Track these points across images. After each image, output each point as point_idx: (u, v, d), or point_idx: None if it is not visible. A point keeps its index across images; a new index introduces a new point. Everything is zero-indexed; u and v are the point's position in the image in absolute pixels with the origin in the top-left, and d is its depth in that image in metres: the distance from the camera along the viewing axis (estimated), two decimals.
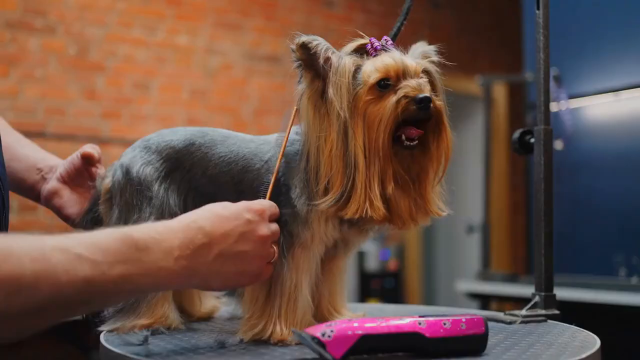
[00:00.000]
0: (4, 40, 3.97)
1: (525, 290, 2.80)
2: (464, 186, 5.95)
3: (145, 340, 0.90)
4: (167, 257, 0.77)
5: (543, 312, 1.15)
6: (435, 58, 1.04)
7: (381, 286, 4.88)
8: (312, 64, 0.94)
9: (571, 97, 3.08)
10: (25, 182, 1.21)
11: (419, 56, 1.01)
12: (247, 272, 0.87)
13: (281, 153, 0.97)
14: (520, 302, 2.40)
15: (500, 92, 5.81)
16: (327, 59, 0.93)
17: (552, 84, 2.91)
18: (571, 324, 1.09)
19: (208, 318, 1.15)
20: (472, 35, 5.94)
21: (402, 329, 0.81)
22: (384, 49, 0.97)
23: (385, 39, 1.00)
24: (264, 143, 1.03)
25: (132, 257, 0.73)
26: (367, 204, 0.90)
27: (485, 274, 3.27)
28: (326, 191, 0.92)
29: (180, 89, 4.59)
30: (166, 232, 0.78)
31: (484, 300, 3.24)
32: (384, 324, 0.81)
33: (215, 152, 1.03)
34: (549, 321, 1.13)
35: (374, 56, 0.96)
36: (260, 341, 0.93)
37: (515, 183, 5.88)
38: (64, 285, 0.66)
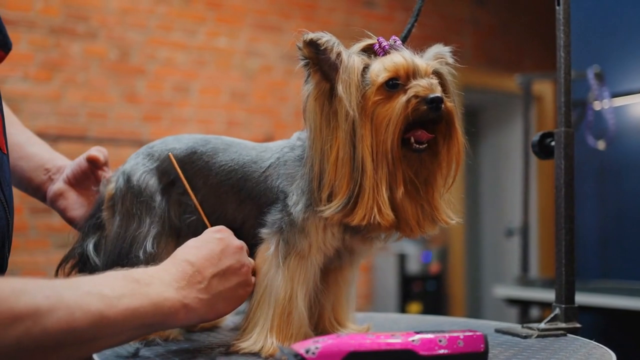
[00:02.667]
0: (47, 46, 4.04)
1: None
2: (510, 188, 5.82)
3: (136, 353, 0.88)
4: (169, 288, 0.80)
5: (563, 325, 1.08)
6: (449, 59, 0.98)
7: (423, 289, 4.80)
8: (319, 63, 0.89)
9: (614, 95, 2.96)
10: (32, 182, 1.21)
11: (432, 57, 0.96)
12: (242, 283, 0.89)
13: (189, 190, 0.99)
14: None
15: (547, 90, 5.66)
16: (339, 54, 0.89)
17: (593, 81, 2.80)
18: (597, 335, 1.03)
19: (212, 328, 1.12)
20: (517, 33, 5.81)
21: (393, 346, 0.76)
22: (392, 49, 0.93)
23: (394, 39, 0.96)
24: (265, 150, 0.99)
25: (137, 291, 0.76)
26: (375, 209, 0.86)
27: (524, 279, 3.17)
28: (330, 197, 0.88)
29: (219, 92, 4.60)
30: (159, 271, 0.82)
31: (524, 307, 3.14)
32: (374, 341, 0.76)
33: (216, 160, 1.00)
34: (569, 335, 1.06)
35: (383, 56, 0.92)
36: (253, 355, 0.89)
37: None
38: (77, 319, 0.67)
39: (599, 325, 3.02)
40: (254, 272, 0.93)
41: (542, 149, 1.17)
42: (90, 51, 4.17)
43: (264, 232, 0.93)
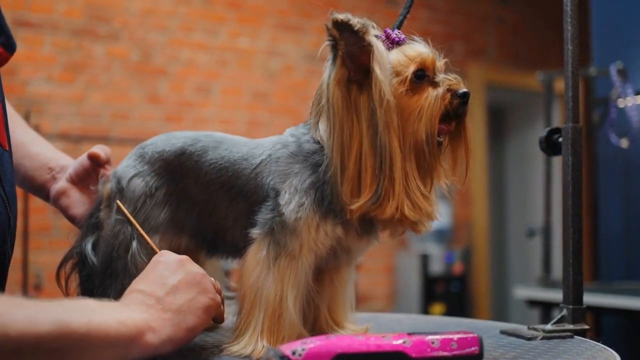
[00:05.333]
0: (70, 48, 4.08)
1: (587, 298, 2.62)
2: (536, 187, 5.74)
3: None
4: (133, 310, 0.78)
5: (571, 327, 1.05)
6: None
7: (446, 290, 4.75)
8: (347, 45, 0.86)
9: (638, 92, 2.89)
10: (35, 181, 1.21)
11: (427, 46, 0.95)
12: (201, 292, 0.85)
13: (135, 224, 0.97)
14: None
15: None
16: (370, 38, 0.85)
17: (616, 78, 2.74)
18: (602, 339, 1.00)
19: (211, 328, 1.10)
20: (542, 30, 5.72)
21: (383, 347, 0.74)
22: (401, 42, 0.92)
23: (398, 32, 0.94)
24: (256, 147, 0.97)
25: (101, 309, 0.75)
26: (408, 202, 0.86)
27: (546, 280, 3.11)
28: (354, 191, 0.86)
29: (241, 92, 4.61)
30: (117, 302, 0.81)
31: (546, 308, 3.07)
32: (363, 342, 0.74)
33: (206, 159, 0.98)
34: (576, 337, 1.03)
35: (390, 49, 0.90)
36: (244, 358, 0.88)
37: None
38: (39, 323, 0.65)
39: (623, 327, 2.95)
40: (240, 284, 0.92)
41: (550, 145, 1.14)
42: (112, 52, 4.21)
43: (255, 232, 0.91)
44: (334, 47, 0.86)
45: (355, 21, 0.85)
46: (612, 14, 3.21)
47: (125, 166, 1.03)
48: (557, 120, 5.07)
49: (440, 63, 0.92)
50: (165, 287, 0.83)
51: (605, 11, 3.24)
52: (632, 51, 3.01)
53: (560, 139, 1.11)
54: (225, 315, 0.93)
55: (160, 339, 0.78)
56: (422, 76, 0.89)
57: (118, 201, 1.00)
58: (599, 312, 2.85)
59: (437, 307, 4.70)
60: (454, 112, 0.90)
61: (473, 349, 0.76)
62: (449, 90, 0.89)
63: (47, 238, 3.79)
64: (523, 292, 3.17)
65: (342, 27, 0.85)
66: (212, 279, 0.89)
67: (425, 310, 4.65)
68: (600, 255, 3.22)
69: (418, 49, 0.90)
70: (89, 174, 1.17)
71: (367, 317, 1.23)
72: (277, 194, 0.91)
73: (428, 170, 0.89)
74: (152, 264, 0.87)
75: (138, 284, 0.84)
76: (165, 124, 4.32)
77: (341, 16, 0.85)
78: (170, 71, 4.38)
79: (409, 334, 0.76)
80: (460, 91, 0.89)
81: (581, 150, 1.09)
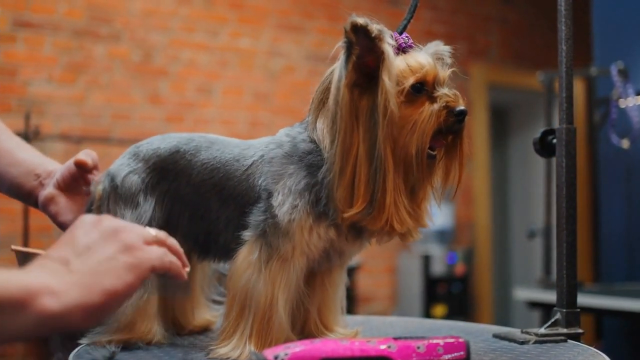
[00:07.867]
0: (71, 48, 4.08)
1: (588, 300, 2.63)
2: (538, 188, 5.72)
3: (111, 357, 0.87)
4: (29, 274, 0.67)
5: (564, 330, 1.04)
6: (448, 60, 0.95)
7: (448, 291, 4.73)
8: (362, 49, 0.85)
9: (639, 92, 2.87)
10: (23, 188, 1.19)
11: (431, 56, 0.93)
12: (126, 249, 0.72)
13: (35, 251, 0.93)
14: (583, 313, 2.24)
15: (576, 87, 5.55)
16: (384, 46, 0.85)
17: (617, 78, 2.72)
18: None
19: (201, 331, 1.10)
20: (545, 30, 5.69)
21: (367, 352, 0.73)
22: (407, 48, 0.90)
23: (407, 36, 0.92)
24: (248, 148, 0.97)
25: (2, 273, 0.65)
26: (396, 214, 0.85)
27: (546, 282, 3.09)
28: (346, 197, 0.85)
29: (242, 92, 4.60)
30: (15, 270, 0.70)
31: (546, 310, 3.06)
32: (348, 347, 0.73)
33: (199, 159, 0.98)
34: (569, 341, 1.02)
35: (396, 54, 0.89)
36: None
37: (581, 185, 5.60)
38: None
39: (624, 329, 2.94)
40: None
41: (544, 147, 1.13)
42: (113, 53, 4.20)
43: (247, 234, 0.90)
44: (349, 50, 0.85)
45: (374, 27, 0.84)
46: (613, 14, 3.20)
47: (120, 165, 1.02)
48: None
49: (445, 74, 0.91)
50: (76, 248, 0.71)
51: (606, 11, 3.23)
52: (633, 51, 2.99)
53: (555, 140, 1.10)
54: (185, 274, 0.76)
55: (63, 303, 0.66)
56: (420, 89, 0.88)
57: (13, 246, 0.97)
58: (600, 313, 2.83)
59: (439, 309, 4.68)
60: (448, 128, 0.88)
61: (460, 353, 0.75)
62: (445, 107, 0.87)
63: (48, 239, 3.78)
64: (523, 293, 3.15)
65: (359, 32, 0.84)
66: (150, 229, 0.77)
67: (427, 312, 4.63)
68: (601, 257, 3.20)
69: (421, 61, 0.89)
70: (76, 180, 1.16)
71: (359, 320, 1.22)
72: (270, 195, 0.90)
73: (415, 185, 0.89)
74: (68, 230, 0.76)
75: (49, 251, 0.73)
76: (166, 124, 4.31)
77: (361, 20, 0.84)
78: (171, 72, 4.37)
79: (395, 339, 0.75)
80: (457, 109, 0.87)
81: (575, 151, 1.08)
